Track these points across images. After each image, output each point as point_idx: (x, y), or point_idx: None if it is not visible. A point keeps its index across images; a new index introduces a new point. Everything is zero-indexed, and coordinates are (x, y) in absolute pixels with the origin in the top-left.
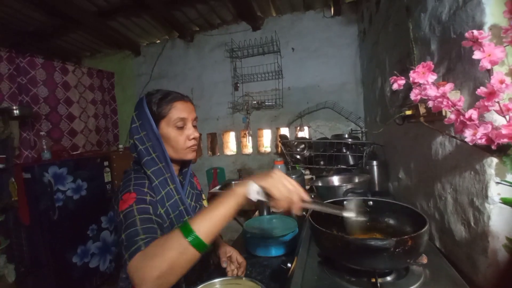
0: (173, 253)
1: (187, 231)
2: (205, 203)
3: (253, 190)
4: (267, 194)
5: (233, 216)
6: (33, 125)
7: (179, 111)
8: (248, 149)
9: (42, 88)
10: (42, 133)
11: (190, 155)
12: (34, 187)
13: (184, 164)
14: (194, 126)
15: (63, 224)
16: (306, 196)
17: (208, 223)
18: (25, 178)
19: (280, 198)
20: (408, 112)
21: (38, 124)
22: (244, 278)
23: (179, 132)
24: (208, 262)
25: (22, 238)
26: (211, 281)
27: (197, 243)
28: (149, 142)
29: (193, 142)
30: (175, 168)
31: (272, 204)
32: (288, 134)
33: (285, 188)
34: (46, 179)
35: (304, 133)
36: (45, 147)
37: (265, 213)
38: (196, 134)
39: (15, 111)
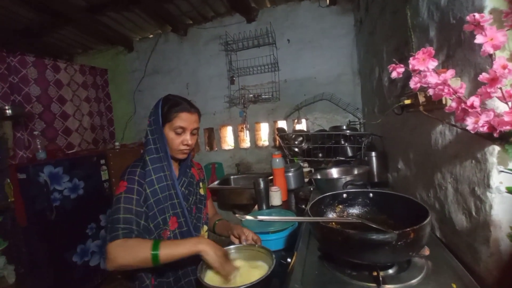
0: (140, 258)
1: (155, 247)
2: (201, 191)
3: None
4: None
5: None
6: (26, 125)
7: (181, 120)
8: (246, 143)
9: (34, 86)
10: (36, 132)
11: (180, 156)
12: (30, 188)
13: (180, 159)
14: (193, 134)
15: (61, 223)
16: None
17: (170, 252)
18: (20, 178)
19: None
20: (407, 102)
21: (31, 123)
22: (256, 245)
23: (177, 137)
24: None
25: (20, 239)
26: (226, 247)
27: (154, 258)
28: (156, 135)
29: (185, 147)
30: (174, 161)
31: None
32: (285, 127)
33: (221, 267)
34: (41, 179)
35: (302, 125)
36: (39, 146)
37: (264, 207)
38: (190, 142)
39: (7, 111)
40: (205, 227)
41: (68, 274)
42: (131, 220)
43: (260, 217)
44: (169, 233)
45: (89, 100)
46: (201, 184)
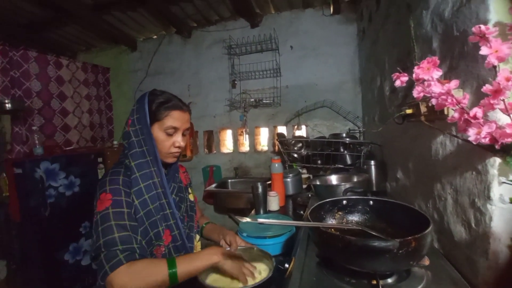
0: (154, 280)
1: (171, 265)
2: (190, 197)
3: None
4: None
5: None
6: (25, 120)
7: (173, 120)
8: (245, 147)
9: (35, 82)
10: (34, 128)
11: (171, 160)
12: (25, 183)
13: (168, 163)
14: (184, 135)
15: (55, 220)
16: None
17: (188, 268)
18: (16, 173)
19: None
20: (409, 111)
21: (30, 118)
22: (255, 248)
23: (167, 138)
24: None
25: (12, 234)
26: (227, 248)
27: (172, 278)
28: (142, 136)
29: (177, 149)
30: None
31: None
32: (285, 133)
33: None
34: (37, 175)
35: (302, 131)
36: (37, 142)
37: (261, 212)
38: (182, 144)
39: (7, 105)
40: (197, 236)
41: (59, 273)
42: (129, 238)
43: (260, 220)
44: (163, 249)
45: (89, 98)
46: (189, 189)
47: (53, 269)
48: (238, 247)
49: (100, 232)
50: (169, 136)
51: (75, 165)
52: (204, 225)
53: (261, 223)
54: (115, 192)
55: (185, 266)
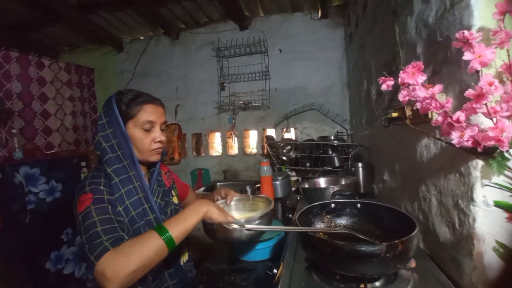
0: (151, 252)
1: (162, 231)
2: (174, 199)
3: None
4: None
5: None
6: (5, 122)
7: (148, 113)
8: (234, 150)
9: (16, 83)
10: (14, 130)
11: (154, 157)
12: (5, 188)
13: (151, 164)
14: (162, 130)
15: (36, 228)
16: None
17: (180, 228)
18: None
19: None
20: (394, 114)
21: (10, 121)
22: (251, 196)
23: (146, 134)
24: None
25: None
26: (221, 201)
27: (169, 242)
28: (115, 140)
29: (158, 145)
30: (142, 168)
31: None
32: (274, 135)
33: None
34: (17, 180)
35: (291, 134)
36: (16, 145)
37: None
38: (163, 138)
39: None
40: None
41: (40, 282)
42: (115, 229)
43: (248, 226)
44: None
45: (73, 100)
46: (173, 191)
47: (34, 278)
48: (234, 198)
49: (82, 230)
50: (147, 132)
51: (57, 170)
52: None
53: (248, 230)
54: (95, 191)
55: (178, 228)
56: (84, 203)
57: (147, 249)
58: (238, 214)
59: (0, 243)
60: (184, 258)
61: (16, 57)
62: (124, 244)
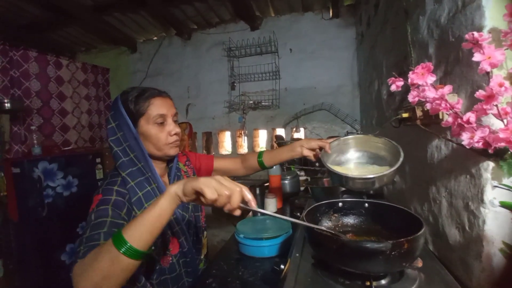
0: (105, 264)
1: (119, 241)
2: None
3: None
4: (200, 195)
5: (169, 216)
6: (24, 120)
7: (157, 107)
8: (244, 149)
9: (35, 81)
10: (33, 127)
11: (173, 151)
12: (23, 183)
13: (170, 160)
14: (175, 121)
15: (52, 221)
16: (248, 196)
17: (141, 228)
18: (14, 173)
19: (212, 197)
20: (405, 115)
21: (29, 118)
22: (370, 135)
23: (160, 129)
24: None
25: (10, 234)
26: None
27: (130, 253)
28: (126, 143)
29: (175, 138)
30: (161, 166)
31: (207, 204)
32: (284, 135)
33: (220, 186)
34: (35, 175)
35: (300, 134)
36: (35, 142)
37: (258, 214)
38: (178, 130)
39: (6, 105)
40: (205, 233)
41: (56, 273)
42: (96, 237)
43: (260, 210)
44: (170, 258)
45: (88, 98)
46: None
47: (50, 269)
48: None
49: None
50: (160, 126)
51: (73, 165)
52: (261, 152)
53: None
54: (106, 192)
55: (138, 228)
56: (94, 203)
57: (100, 262)
58: (358, 161)
59: (18, 235)
60: (204, 250)
61: (34, 57)
62: (88, 255)
